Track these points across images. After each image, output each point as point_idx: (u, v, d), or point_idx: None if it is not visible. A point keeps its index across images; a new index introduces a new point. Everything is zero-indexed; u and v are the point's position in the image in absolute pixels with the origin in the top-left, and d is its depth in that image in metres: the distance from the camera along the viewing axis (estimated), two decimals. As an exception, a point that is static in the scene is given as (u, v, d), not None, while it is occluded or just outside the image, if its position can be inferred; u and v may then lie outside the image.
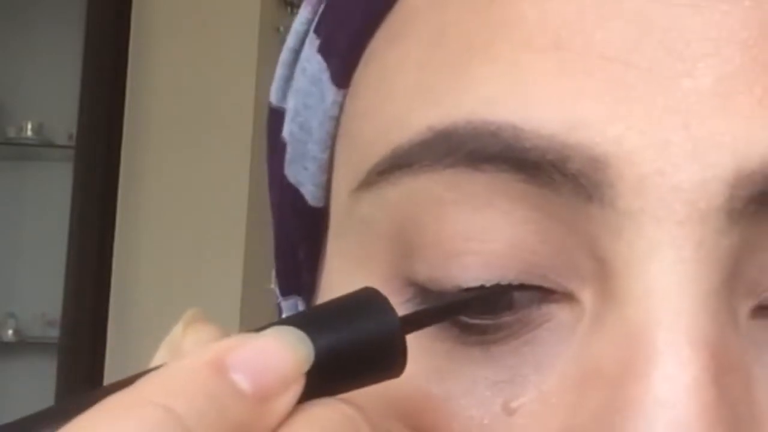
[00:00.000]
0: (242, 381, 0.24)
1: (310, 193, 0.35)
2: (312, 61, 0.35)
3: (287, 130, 0.36)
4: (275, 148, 0.38)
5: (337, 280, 0.32)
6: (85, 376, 2.26)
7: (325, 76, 0.34)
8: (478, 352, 0.29)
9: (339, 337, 0.25)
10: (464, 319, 0.29)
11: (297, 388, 0.24)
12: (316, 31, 0.35)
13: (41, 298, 2.71)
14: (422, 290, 0.29)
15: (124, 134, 2.31)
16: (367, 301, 0.26)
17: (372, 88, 0.32)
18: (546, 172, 0.27)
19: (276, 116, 0.38)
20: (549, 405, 0.28)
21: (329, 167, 0.34)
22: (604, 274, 0.27)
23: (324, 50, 0.34)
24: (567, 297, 0.28)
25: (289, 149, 0.36)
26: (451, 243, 0.29)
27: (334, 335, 0.25)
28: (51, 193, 2.69)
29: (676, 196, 0.26)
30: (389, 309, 0.26)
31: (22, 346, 2.76)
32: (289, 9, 2.48)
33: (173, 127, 2.31)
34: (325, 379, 0.25)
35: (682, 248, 0.26)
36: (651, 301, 0.26)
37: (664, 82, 0.27)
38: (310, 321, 0.25)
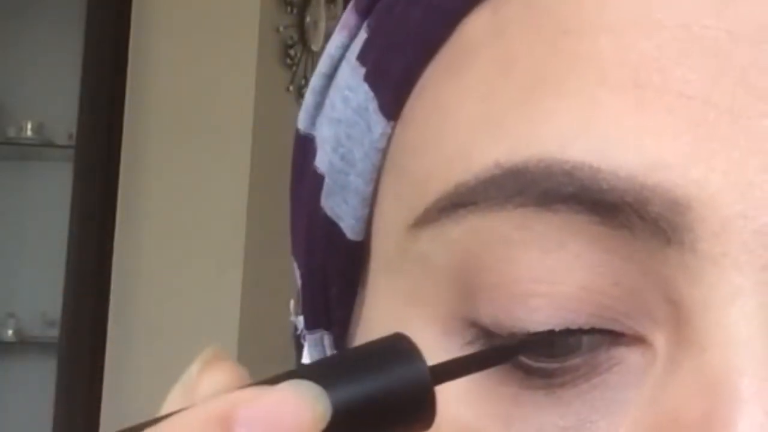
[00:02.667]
0: None
1: (350, 227, 0.33)
2: (357, 91, 0.33)
3: (325, 161, 0.34)
4: (302, 176, 0.36)
5: (386, 317, 0.31)
6: (85, 376, 2.26)
7: (373, 106, 0.32)
8: (543, 397, 0.27)
9: (362, 389, 0.23)
10: (528, 361, 0.27)
11: None
12: (360, 59, 0.33)
13: (41, 298, 2.71)
14: (485, 332, 0.28)
15: (124, 134, 2.31)
16: (394, 349, 0.24)
17: (427, 120, 0.31)
18: (624, 215, 0.26)
19: (304, 143, 0.36)
20: None
21: (372, 201, 0.33)
22: (679, 318, 0.26)
23: (371, 79, 0.33)
24: (638, 340, 0.27)
25: (327, 181, 0.34)
26: (518, 285, 0.27)
27: (358, 386, 0.23)
28: (51, 193, 2.69)
29: (759, 241, 0.25)
30: (418, 357, 0.24)
31: (22, 346, 2.76)
32: (289, 9, 2.48)
33: (173, 127, 2.31)
34: None
35: (765, 294, 0.25)
36: (733, 348, 0.25)
37: (745, 122, 0.26)
38: (332, 370, 0.24)
